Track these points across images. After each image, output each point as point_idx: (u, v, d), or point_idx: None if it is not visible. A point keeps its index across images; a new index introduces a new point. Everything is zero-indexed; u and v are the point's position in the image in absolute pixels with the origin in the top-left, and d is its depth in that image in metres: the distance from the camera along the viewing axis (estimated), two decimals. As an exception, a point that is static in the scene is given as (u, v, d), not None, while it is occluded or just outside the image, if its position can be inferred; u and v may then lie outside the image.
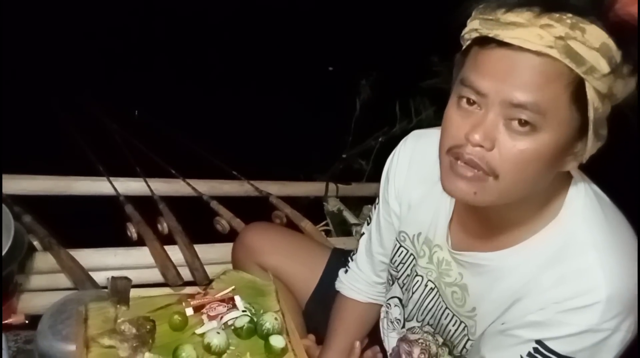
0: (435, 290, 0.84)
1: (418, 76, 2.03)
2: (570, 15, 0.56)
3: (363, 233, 1.01)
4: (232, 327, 0.89)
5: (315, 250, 1.16)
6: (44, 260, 1.30)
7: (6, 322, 1.09)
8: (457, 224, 0.80)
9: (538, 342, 0.68)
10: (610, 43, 0.56)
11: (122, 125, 1.76)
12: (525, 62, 0.58)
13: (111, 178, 1.56)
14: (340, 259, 1.10)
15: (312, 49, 2.22)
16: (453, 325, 0.82)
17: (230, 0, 2.14)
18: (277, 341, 0.87)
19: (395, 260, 0.91)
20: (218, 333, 0.86)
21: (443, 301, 0.83)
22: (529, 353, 0.69)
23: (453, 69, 0.68)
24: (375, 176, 2.01)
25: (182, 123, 1.88)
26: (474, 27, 0.61)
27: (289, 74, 2.15)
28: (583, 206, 0.68)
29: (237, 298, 0.94)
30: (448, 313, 0.82)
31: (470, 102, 0.62)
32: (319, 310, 1.08)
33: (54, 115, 1.70)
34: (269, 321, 0.89)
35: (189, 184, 1.65)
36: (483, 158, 0.61)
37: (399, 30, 2.24)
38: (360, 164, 2.02)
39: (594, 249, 0.66)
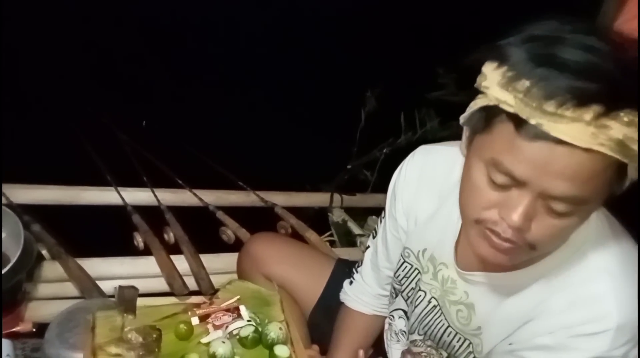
0: (438, 307, 0.83)
1: (423, 87, 2.05)
2: (628, 110, 0.51)
3: (368, 246, 1.00)
4: (237, 337, 0.90)
5: (320, 261, 1.16)
6: (52, 268, 1.31)
7: (14, 330, 1.10)
8: (465, 246, 0.78)
9: None
10: None
11: (130, 135, 1.78)
12: (571, 157, 0.52)
13: (119, 188, 1.58)
14: (345, 270, 1.10)
15: (319, 60, 2.24)
16: (457, 342, 0.81)
17: (237, 11, 2.16)
18: (281, 351, 0.87)
19: (399, 275, 0.91)
20: (223, 342, 0.87)
21: (445, 319, 0.82)
22: None
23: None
24: (380, 187, 2.02)
25: (189, 133, 1.90)
26: (505, 99, 0.55)
27: (295, 84, 2.16)
28: (595, 229, 0.67)
29: (242, 308, 0.95)
30: (450, 331, 0.82)
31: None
32: (323, 320, 1.08)
33: (63, 125, 1.72)
34: (274, 331, 0.90)
35: (195, 194, 1.66)
36: (521, 237, 0.59)
37: (404, 42, 2.26)
38: (365, 175, 2.03)
39: (607, 275, 0.65)
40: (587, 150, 0.52)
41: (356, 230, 1.78)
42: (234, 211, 1.63)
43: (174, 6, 2.06)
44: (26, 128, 1.75)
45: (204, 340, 0.89)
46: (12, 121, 1.67)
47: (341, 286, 1.06)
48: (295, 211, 1.71)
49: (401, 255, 0.90)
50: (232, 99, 2.17)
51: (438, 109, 2.00)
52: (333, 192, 1.89)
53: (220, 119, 2.09)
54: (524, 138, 0.54)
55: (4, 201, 1.39)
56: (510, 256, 0.62)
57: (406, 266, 0.89)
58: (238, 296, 0.98)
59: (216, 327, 0.91)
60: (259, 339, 0.90)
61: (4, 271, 1.07)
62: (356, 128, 2.00)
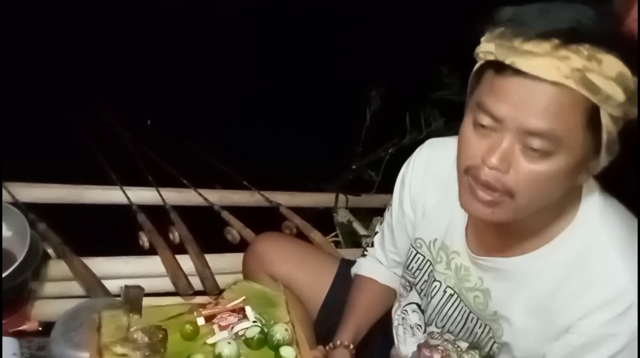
0: (456, 295, 0.85)
1: (428, 87, 2.04)
2: (587, 46, 0.57)
3: (377, 232, 1.06)
4: (243, 337, 0.89)
5: (324, 261, 1.16)
6: (57, 267, 1.32)
7: (20, 328, 1.11)
8: (473, 231, 0.81)
9: None
10: (626, 72, 0.57)
11: (135, 135, 1.79)
12: (541, 91, 0.58)
13: (124, 187, 1.59)
14: (349, 269, 1.11)
15: (324, 60, 2.24)
16: (479, 328, 0.83)
17: (242, 10, 2.16)
18: (287, 352, 0.87)
19: (412, 267, 0.93)
20: (229, 343, 0.86)
21: (466, 305, 0.84)
22: None
23: (468, 84, 0.69)
24: (385, 187, 2.02)
25: (194, 133, 1.90)
26: (489, 49, 0.62)
27: (300, 84, 2.16)
28: (599, 209, 0.70)
29: (248, 309, 0.94)
30: (473, 317, 0.83)
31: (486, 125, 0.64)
32: (329, 320, 1.08)
33: (69, 125, 1.72)
34: (280, 332, 0.89)
35: (200, 194, 1.66)
36: (499, 179, 0.63)
37: (409, 42, 2.25)
38: (370, 175, 2.03)
39: (619, 253, 0.67)
40: (554, 84, 0.58)
41: (361, 230, 1.78)
42: (239, 211, 1.63)
43: (179, 6, 2.06)
44: (32, 127, 1.76)
45: (210, 340, 0.88)
46: (18, 120, 1.68)
47: (346, 286, 1.07)
48: (300, 211, 1.71)
49: (413, 247, 0.92)
50: (237, 98, 2.17)
51: (443, 109, 2.00)
52: (338, 192, 1.89)
53: (225, 118, 2.10)
54: (501, 77, 0.61)
55: (10, 199, 1.40)
56: (493, 209, 0.65)
57: (419, 258, 0.91)
58: (244, 297, 0.97)
59: (222, 328, 0.91)
60: (265, 340, 0.89)
61: (10, 269, 1.08)
62: (361, 128, 1.99)
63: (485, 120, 0.63)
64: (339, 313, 1.04)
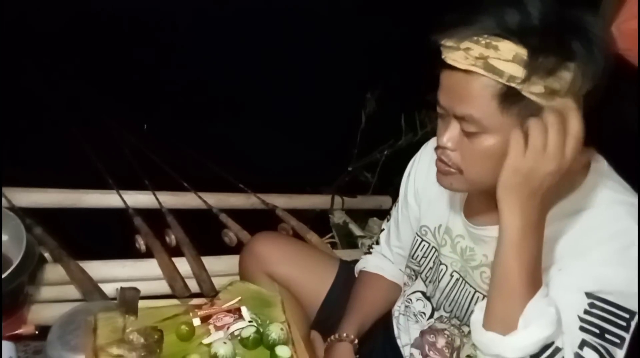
0: (461, 279, 0.88)
1: (423, 89, 2.05)
2: (485, 36, 0.66)
3: (383, 229, 1.10)
4: (239, 337, 0.90)
5: (324, 261, 1.17)
6: (54, 271, 1.32)
7: (16, 332, 1.11)
8: (470, 205, 0.86)
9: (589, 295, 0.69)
10: (522, 52, 0.64)
11: (131, 139, 1.79)
12: (459, 80, 0.68)
13: (120, 191, 1.59)
14: (349, 271, 1.12)
15: (319, 62, 2.25)
16: None
17: (237, 15, 2.17)
18: (282, 351, 0.88)
19: (417, 255, 0.96)
20: (225, 343, 0.87)
21: (471, 286, 0.86)
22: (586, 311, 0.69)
23: None
24: (380, 188, 2.03)
25: (189, 137, 1.90)
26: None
27: (295, 87, 2.17)
28: (605, 179, 0.74)
29: (244, 309, 0.95)
30: (478, 297, 0.85)
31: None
32: (328, 321, 1.08)
33: (65, 129, 1.73)
34: (275, 331, 0.90)
35: (200, 197, 1.67)
36: (448, 156, 0.74)
37: (404, 44, 2.26)
38: (366, 176, 2.04)
39: (629, 207, 0.72)
40: (466, 72, 0.66)
41: (357, 231, 1.78)
42: (235, 214, 1.64)
43: (176, 10, 2.07)
44: (28, 132, 1.76)
45: (206, 340, 0.89)
46: (15, 125, 1.68)
47: (346, 288, 1.07)
48: (296, 213, 1.72)
49: (418, 234, 0.96)
50: (232, 101, 2.18)
51: (438, 111, 2.01)
52: (334, 194, 1.90)
53: (221, 122, 2.10)
54: (443, 71, 0.71)
55: (6, 204, 1.40)
56: (449, 178, 0.76)
57: (424, 246, 0.95)
58: (239, 298, 0.98)
59: (218, 328, 0.91)
60: (260, 340, 0.90)
61: (6, 273, 1.08)
62: (357, 130, 2.00)
63: (439, 109, 0.74)
64: (338, 314, 1.05)
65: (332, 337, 1.00)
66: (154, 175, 1.67)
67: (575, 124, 0.64)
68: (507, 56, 0.64)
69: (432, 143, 0.96)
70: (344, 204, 1.89)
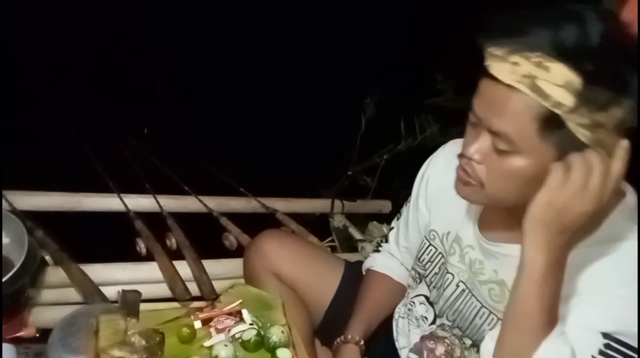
0: (467, 291, 0.86)
1: (422, 93, 2.06)
2: (537, 54, 0.61)
3: (392, 228, 1.10)
4: (240, 340, 0.90)
5: (330, 262, 1.16)
6: (55, 274, 1.32)
7: (17, 335, 1.11)
8: (486, 219, 0.83)
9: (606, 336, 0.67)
10: (575, 79, 0.59)
11: (132, 143, 1.80)
12: (501, 93, 0.64)
13: (121, 194, 1.59)
14: (355, 272, 1.12)
15: (319, 67, 2.26)
16: (488, 325, 0.83)
17: (238, 19, 2.19)
18: (283, 354, 0.88)
19: (424, 259, 0.95)
20: (226, 345, 0.87)
21: (477, 300, 0.84)
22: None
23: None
24: (380, 192, 2.03)
25: (190, 140, 1.91)
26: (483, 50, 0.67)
27: (295, 91, 2.18)
28: (633, 208, 0.71)
29: (245, 312, 0.95)
30: (484, 312, 0.83)
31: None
32: (335, 323, 1.08)
33: (66, 133, 1.73)
34: (276, 334, 0.90)
35: (200, 200, 1.67)
36: (473, 168, 0.71)
37: (403, 49, 2.28)
38: (366, 180, 2.05)
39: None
40: (510, 87, 0.62)
41: (357, 235, 1.79)
42: (235, 217, 1.64)
43: (179, 15, 2.08)
44: (30, 135, 1.77)
45: (207, 343, 0.89)
46: (16, 128, 1.69)
47: (352, 289, 1.07)
48: (296, 216, 1.72)
49: (426, 238, 0.95)
50: (232, 106, 2.19)
51: (437, 115, 2.02)
52: (334, 198, 1.90)
53: (221, 126, 2.11)
54: (483, 78, 0.67)
55: (8, 207, 1.40)
56: (468, 189, 0.73)
57: (431, 250, 0.93)
58: (240, 300, 0.98)
59: (219, 331, 0.91)
60: (261, 342, 0.90)
61: (8, 276, 1.08)
62: (356, 135, 2.01)
63: (471, 116, 0.70)
64: (345, 315, 1.05)
65: (339, 339, 0.99)
66: (155, 178, 1.68)
67: (619, 168, 0.61)
68: (558, 81, 0.60)
69: (451, 146, 0.94)
70: (344, 208, 1.90)
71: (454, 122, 1.94)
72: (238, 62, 2.22)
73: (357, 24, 2.26)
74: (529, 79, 0.61)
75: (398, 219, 1.08)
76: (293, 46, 2.20)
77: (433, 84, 2.05)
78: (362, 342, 0.98)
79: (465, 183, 0.73)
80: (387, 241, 1.11)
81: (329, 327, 1.09)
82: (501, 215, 0.78)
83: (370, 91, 2.04)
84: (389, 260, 1.08)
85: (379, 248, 1.11)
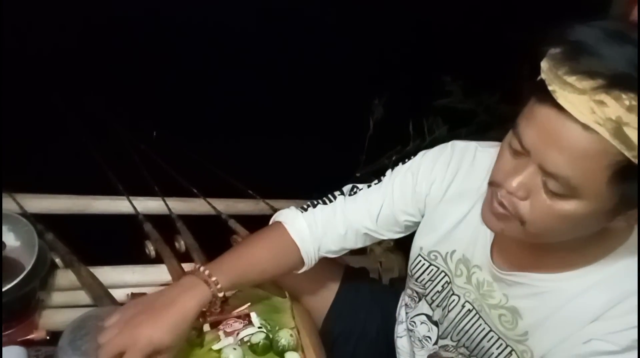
0: (474, 312, 0.81)
1: (431, 95, 2.05)
2: (632, 95, 0.50)
3: (355, 187, 0.93)
4: (248, 343, 0.90)
5: (329, 268, 1.16)
6: (65, 276, 1.33)
7: (28, 337, 1.12)
8: (501, 245, 0.77)
9: None
10: None
11: (140, 146, 1.81)
12: (570, 130, 0.54)
13: (130, 197, 1.60)
14: (354, 277, 1.11)
15: (326, 68, 2.26)
16: (497, 349, 0.78)
17: (245, 24, 2.19)
18: (292, 357, 0.88)
19: (423, 278, 0.90)
20: (234, 349, 0.87)
21: (486, 323, 0.79)
22: None
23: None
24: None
25: (198, 143, 1.92)
26: (542, 67, 0.57)
27: (303, 93, 2.18)
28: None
29: (253, 315, 0.95)
30: (492, 336, 0.79)
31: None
32: (335, 329, 1.08)
33: (76, 136, 1.75)
34: (285, 337, 0.90)
35: (209, 203, 1.68)
36: (513, 204, 0.62)
37: (412, 50, 2.27)
38: (374, 182, 2.03)
39: None
40: (585, 127, 0.53)
41: (365, 237, 1.77)
42: (244, 219, 1.64)
43: (188, 19, 2.09)
44: (39, 139, 1.78)
45: (215, 346, 0.89)
46: (26, 133, 1.70)
47: (352, 295, 1.07)
48: (304, 219, 1.71)
49: (424, 259, 0.89)
50: (240, 108, 2.19)
51: (446, 117, 2.01)
52: (342, 200, 1.89)
53: (229, 128, 2.12)
54: (540, 103, 0.57)
55: (19, 210, 1.42)
56: (503, 223, 0.65)
57: (432, 270, 0.89)
58: (249, 303, 0.98)
59: (227, 334, 0.91)
60: (270, 346, 0.90)
61: (18, 279, 1.09)
62: (364, 136, 2.01)
63: (515, 143, 0.61)
64: (345, 322, 1.04)
65: (197, 269, 0.81)
66: (163, 181, 1.69)
67: None
68: None
69: (472, 152, 0.82)
70: (352, 210, 1.89)
71: (463, 123, 1.93)
72: (246, 65, 2.23)
73: (364, 25, 2.26)
74: (614, 124, 0.51)
75: (369, 187, 0.91)
76: (300, 47, 2.20)
77: (442, 86, 2.04)
78: (222, 293, 0.81)
79: (500, 217, 0.64)
80: (332, 200, 0.91)
81: (328, 333, 1.08)
82: (519, 245, 0.73)
83: (378, 93, 2.03)
84: (310, 227, 0.89)
85: (306, 208, 0.92)
